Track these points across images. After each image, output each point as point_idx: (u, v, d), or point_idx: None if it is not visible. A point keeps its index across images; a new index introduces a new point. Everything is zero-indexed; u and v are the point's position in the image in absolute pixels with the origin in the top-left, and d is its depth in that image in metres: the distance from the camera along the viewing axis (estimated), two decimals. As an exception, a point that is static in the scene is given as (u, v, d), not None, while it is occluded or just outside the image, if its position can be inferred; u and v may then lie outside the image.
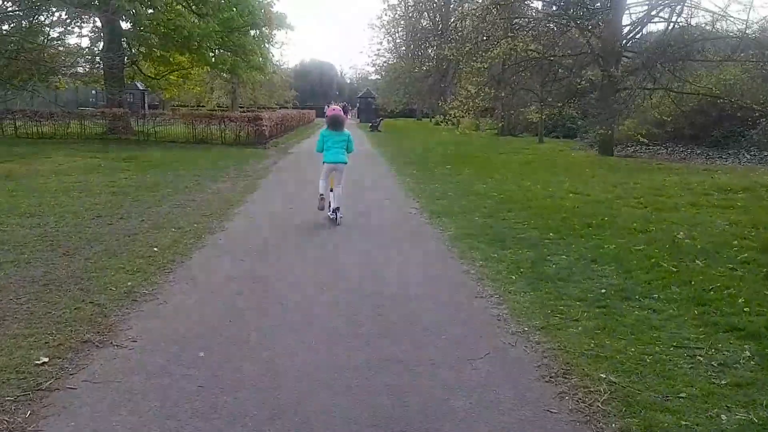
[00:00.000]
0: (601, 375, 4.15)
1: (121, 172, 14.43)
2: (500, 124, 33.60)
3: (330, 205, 9.23)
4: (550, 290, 5.90)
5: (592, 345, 4.63)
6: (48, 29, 23.31)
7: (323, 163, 9.29)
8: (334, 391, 3.86)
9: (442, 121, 32.10)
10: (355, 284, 6.11)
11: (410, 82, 55.40)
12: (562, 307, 5.42)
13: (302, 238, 8.24)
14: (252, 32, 29.11)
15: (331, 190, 9.24)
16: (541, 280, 6.20)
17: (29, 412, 3.45)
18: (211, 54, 27.80)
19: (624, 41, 22.85)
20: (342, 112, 9.92)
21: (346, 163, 9.31)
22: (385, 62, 63.54)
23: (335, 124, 9.35)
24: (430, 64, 49.52)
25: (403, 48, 61.52)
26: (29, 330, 4.59)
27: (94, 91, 39.42)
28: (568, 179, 14.59)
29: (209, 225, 8.79)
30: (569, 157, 22.17)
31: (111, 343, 4.50)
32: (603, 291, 5.90)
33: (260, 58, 29.81)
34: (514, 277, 6.34)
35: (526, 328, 4.95)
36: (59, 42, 24.03)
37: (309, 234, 8.53)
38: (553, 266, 6.76)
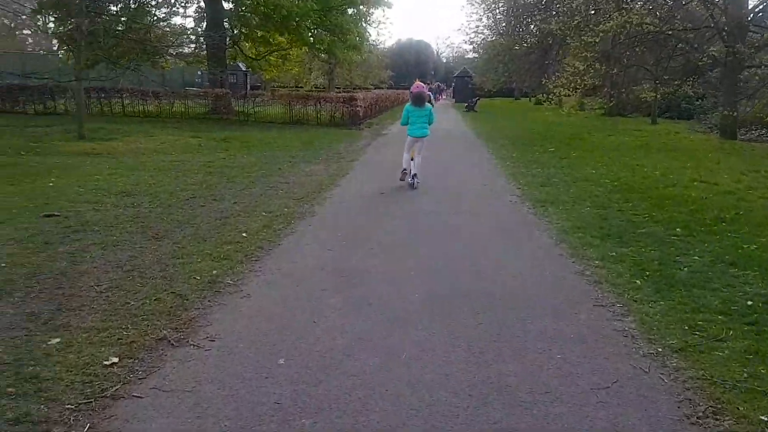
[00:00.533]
0: (761, 417, 3.31)
1: (218, 152, 14.47)
2: (608, 104, 31.46)
3: (410, 173, 10.30)
4: (683, 299, 5.00)
5: (744, 375, 3.76)
6: (154, 10, 23.96)
7: (407, 135, 10.40)
8: (428, 421, 3.26)
9: (543, 101, 30.51)
10: (451, 282, 5.47)
11: (509, 59, 53.28)
12: (701, 323, 4.53)
13: (395, 227, 7.66)
14: (349, 11, 28.71)
15: (412, 159, 10.33)
16: (672, 287, 5.29)
17: (88, 425, 3.08)
18: (309, 34, 27.69)
19: (752, 14, 20.50)
20: (425, 89, 10.70)
21: (427, 135, 10.42)
22: (483, 39, 61.60)
23: (418, 100, 10.27)
24: (533, 40, 47.30)
25: (504, 24, 59.23)
26: (104, 323, 4.30)
27: (199, 72, 40.68)
28: (689, 165, 13.16)
29: (300, 209, 8.41)
30: (688, 140, 20.27)
31: (188, 342, 4.12)
32: (750, 303, 4.94)
33: (357, 38, 29.38)
34: (638, 281, 5.45)
35: (660, 349, 4.12)
36: (165, 22, 24.66)
37: (402, 223, 7.94)
38: (685, 269, 5.80)
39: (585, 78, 22.13)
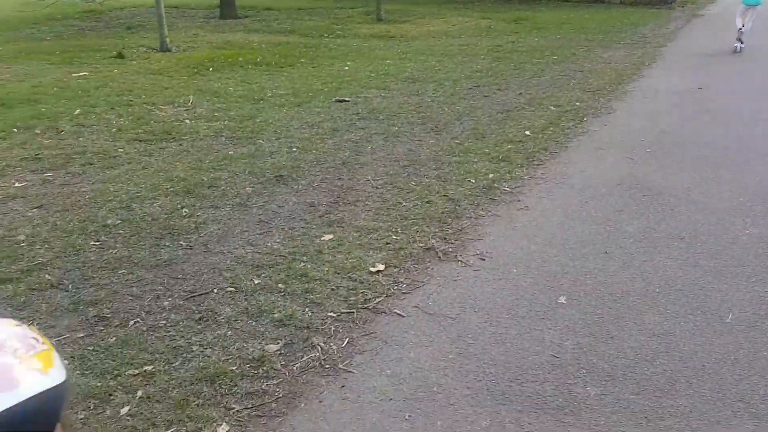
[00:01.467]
0: None
1: (507, 35, 13.53)
2: None
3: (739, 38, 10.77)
4: None
5: None
6: None
7: (741, 4, 10.83)
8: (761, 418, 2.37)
9: None
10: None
11: None
12: None
13: (716, 135, 6.17)
14: None
15: (741, 29, 10.81)
16: None
17: (347, 340, 2.87)
18: None
19: None
20: None
21: (760, 4, 10.67)
22: None
23: None
24: None
25: None
26: (375, 223, 4.09)
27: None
28: None
29: (594, 104, 7.31)
30: None
31: (456, 257, 3.70)
32: None
33: None
34: None
35: None
36: None
37: (727, 129, 6.37)
38: None
39: None
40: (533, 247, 3.84)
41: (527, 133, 6.17)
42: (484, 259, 3.69)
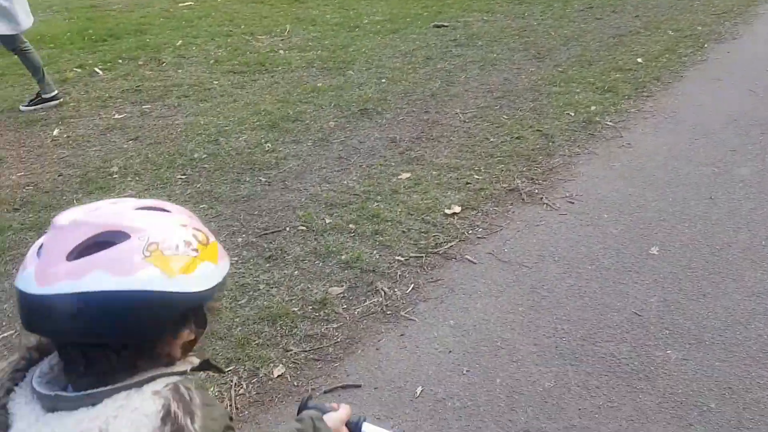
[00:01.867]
0: None
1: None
2: None
3: None
4: None
5: None
6: None
7: None
8: None
9: None
10: None
11: None
12: None
13: None
14: None
15: None
16: None
17: (412, 286, 2.78)
18: None
19: None
20: None
21: None
22: None
23: None
24: None
25: None
26: (457, 161, 3.90)
27: None
28: None
29: (717, 28, 6.48)
30: None
31: (541, 199, 3.46)
32: None
33: None
34: None
35: None
36: None
37: None
38: None
39: None
40: (630, 190, 3.51)
41: (639, 60, 5.59)
42: (572, 203, 3.42)
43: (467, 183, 3.62)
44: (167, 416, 0.71)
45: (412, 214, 3.31)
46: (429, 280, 2.81)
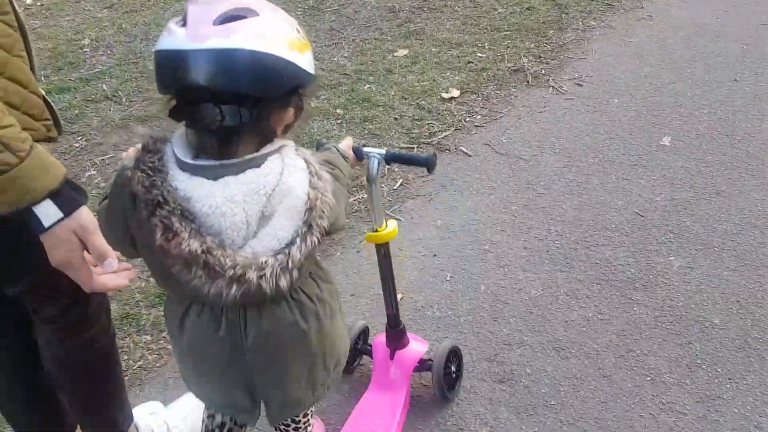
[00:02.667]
0: None
1: None
2: None
3: None
4: None
5: None
6: None
7: None
8: None
9: None
10: None
11: None
12: None
13: None
14: None
15: None
16: None
17: (400, 181, 2.53)
18: None
19: None
20: None
21: None
22: None
23: None
24: None
25: None
26: (460, 35, 3.49)
27: None
28: None
29: None
30: None
31: (548, 81, 3.12)
32: None
33: None
34: None
35: None
36: None
37: None
38: None
39: None
40: (645, 70, 3.13)
41: None
42: (581, 85, 3.07)
43: (469, 62, 3.25)
44: (310, 168, 0.94)
45: (406, 98, 2.99)
46: (419, 174, 2.56)
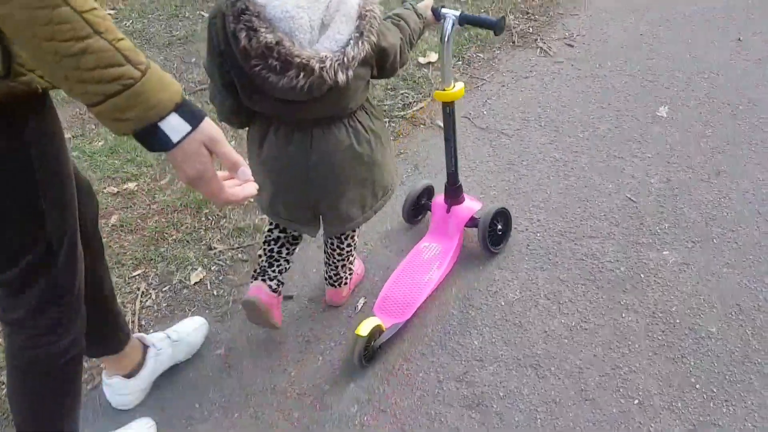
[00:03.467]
0: None
1: None
2: None
3: None
4: None
5: None
6: None
7: None
8: None
9: None
10: None
11: None
12: None
13: None
14: None
15: None
16: None
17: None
18: None
19: None
20: None
21: None
22: None
23: None
24: None
25: None
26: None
27: None
28: None
29: None
30: None
31: (535, 41, 2.83)
32: None
33: None
34: None
35: None
36: None
37: None
38: None
39: None
40: (642, 28, 2.79)
41: None
42: (572, 45, 2.75)
43: None
44: None
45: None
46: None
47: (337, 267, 1.60)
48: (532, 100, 2.45)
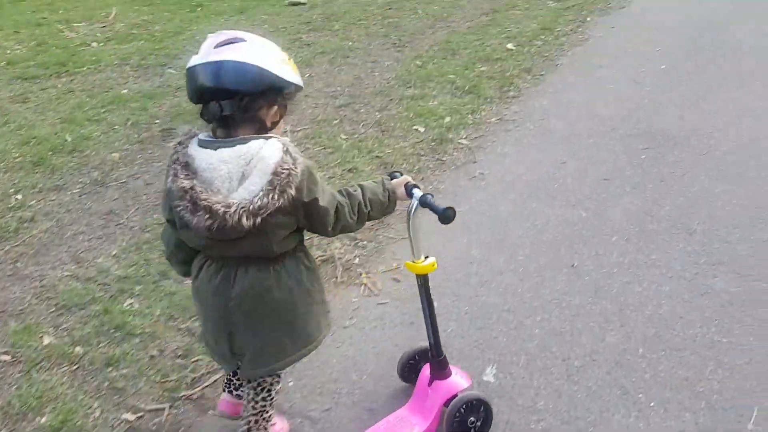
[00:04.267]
0: None
1: None
2: None
3: None
4: None
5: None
6: None
7: None
8: None
9: None
10: None
11: None
12: None
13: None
14: None
15: None
16: None
17: None
18: None
19: None
20: None
21: None
22: None
23: None
24: None
25: None
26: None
27: None
28: None
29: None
30: None
31: (360, 275, 2.43)
32: None
33: None
34: None
35: None
36: None
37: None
38: None
39: None
40: (474, 253, 2.52)
41: (510, 46, 4.60)
42: (398, 280, 2.41)
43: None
44: (287, 149, 1.24)
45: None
46: None
47: (249, 423, 1.51)
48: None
